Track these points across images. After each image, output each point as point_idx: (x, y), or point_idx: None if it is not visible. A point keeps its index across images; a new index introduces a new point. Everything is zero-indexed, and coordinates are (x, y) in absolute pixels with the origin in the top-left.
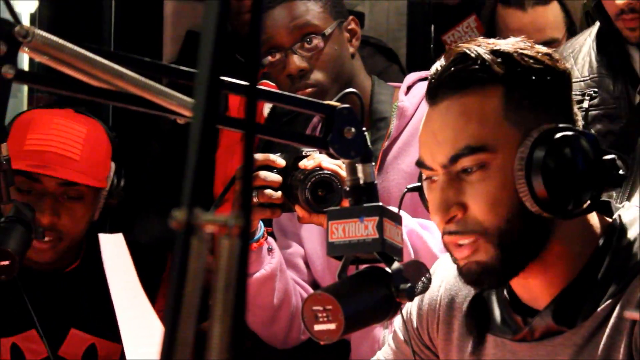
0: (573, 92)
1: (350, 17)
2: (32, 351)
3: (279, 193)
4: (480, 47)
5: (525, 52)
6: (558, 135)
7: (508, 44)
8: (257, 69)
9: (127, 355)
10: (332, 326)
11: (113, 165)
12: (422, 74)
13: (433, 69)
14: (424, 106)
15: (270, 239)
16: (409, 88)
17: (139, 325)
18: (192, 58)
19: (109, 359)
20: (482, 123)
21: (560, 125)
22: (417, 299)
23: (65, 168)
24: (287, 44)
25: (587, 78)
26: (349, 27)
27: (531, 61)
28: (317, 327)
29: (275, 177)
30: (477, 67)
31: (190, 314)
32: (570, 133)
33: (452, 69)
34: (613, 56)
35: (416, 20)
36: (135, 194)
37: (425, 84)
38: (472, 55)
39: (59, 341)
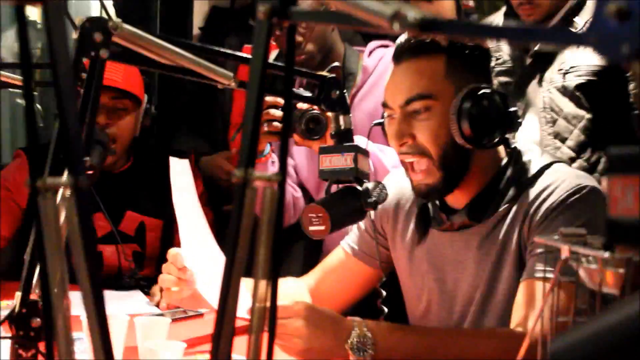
0: None
1: (332, 1)
2: (100, 227)
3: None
4: None
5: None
6: (480, 92)
7: None
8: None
9: (186, 260)
10: (322, 227)
11: (145, 96)
12: (379, 42)
13: (398, 40)
14: (381, 66)
15: (273, 154)
16: (370, 52)
17: (194, 230)
18: (215, 30)
19: (154, 232)
20: (430, 79)
21: (483, 85)
22: None
23: (115, 83)
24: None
25: (494, 46)
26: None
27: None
28: (311, 228)
29: (279, 113)
30: (428, 40)
31: (245, 240)
32: (488, 91)
33: (412, 41)
34: None
35: None
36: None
37: (381, 49)
38: None
39: (118, 220)
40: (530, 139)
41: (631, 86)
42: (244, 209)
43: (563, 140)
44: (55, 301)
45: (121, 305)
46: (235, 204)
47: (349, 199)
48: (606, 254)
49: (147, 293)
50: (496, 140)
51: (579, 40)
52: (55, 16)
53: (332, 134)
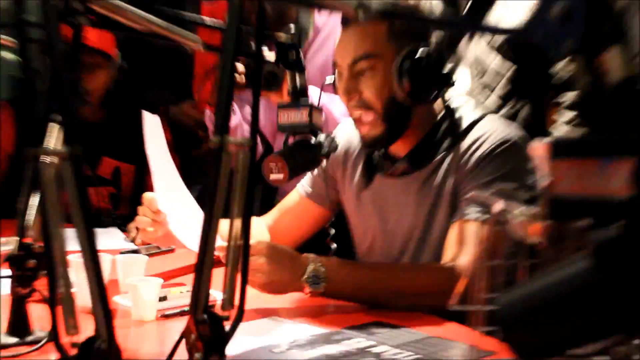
0: None
1: None
2: None
3: (244, 79)
4: None
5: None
6: (418, 52)
7: None
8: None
9: (160, 203)
10: (280, 176)
11: (117, 52)
12: None
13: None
14: (329, 23)
15: (234, 104)
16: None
17: (166, 177)
18: None
19: (127, 176)
20: (374, 41)
21: (420, 47)
22: None
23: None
24: None
25: (432, 10)
26: None
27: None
28: (272, 177)
29: (241, 68)
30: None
31: (221, 195)
32: (425, 52)
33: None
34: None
35: None
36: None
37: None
38: None
39: (95, 165)
40: (463, 89)
41: None
42: (220, 170)
43: (492, 89)
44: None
45: (101, 241)
46: (213, 165)
47: (304, 150)
48: (533, 210)
49: (123, 230)
50: (433, 96)
51: (526, 34)
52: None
53: (289, 91)
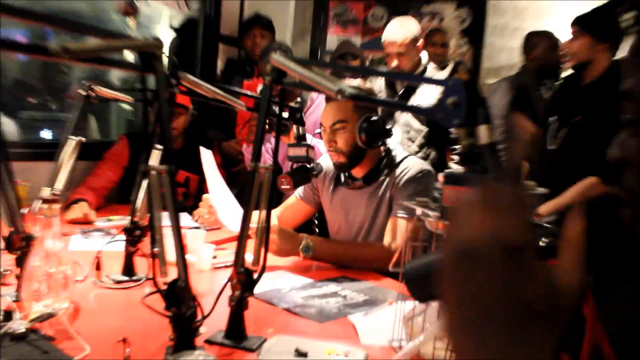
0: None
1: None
2: None
3: (267, 127)
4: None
5: (361, 86)
6: (371, 119)
7: (354, 82)
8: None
9: (212, 201)
10: (288, 187)
11: (191, 105)
12: None
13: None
14: (318, 99)
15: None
16: None
17: (217, 185)
18: (228, 72)
19: (194, 182)
20: (345, 112)
21: (372, 116)
22: None
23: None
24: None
25: (380, 90)
26: None
27: (364, 89)
28: (282, 187)
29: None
30: None
31: (253, 200)
32: (375, 119)
33: None
34: (390, 81)
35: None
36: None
37: None
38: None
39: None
40: (396, 141)
41: None
42: (254, 183)
43: (413, 141)
44: (155, 222)
45: None
46: (249, 181)
47: (303, 172)
48: (437, 214)
49: (190, 214)
50: (378, 144)
51: (432, 112)
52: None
53: (295, 136)
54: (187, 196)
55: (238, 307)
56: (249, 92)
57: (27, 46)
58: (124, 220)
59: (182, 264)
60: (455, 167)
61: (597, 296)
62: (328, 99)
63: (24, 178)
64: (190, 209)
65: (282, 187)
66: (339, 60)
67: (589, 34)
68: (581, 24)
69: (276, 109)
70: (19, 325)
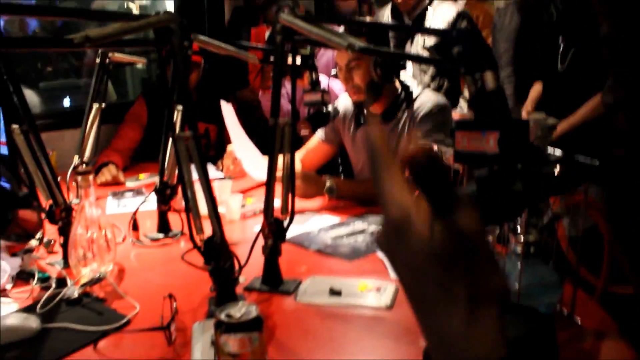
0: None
1: (300, 4)
2: None
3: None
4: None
5: (373, 21)
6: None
7: (367, 18)
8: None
9: (236, 152)
10: (307, 132)
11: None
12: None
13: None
14: None
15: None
16: None
17: (239, 137)
18: (236, 21)
19: (213, 132)
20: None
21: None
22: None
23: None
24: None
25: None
26: (300, 8)
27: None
28: (302, 132)
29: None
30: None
31: (277, 151)
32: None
33: (349, 29)
34: (397, 14)
35: None
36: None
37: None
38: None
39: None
40: (408, 73)
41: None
42: (275, 136)
43: (425, 72)
44: (187, 187)
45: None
46: (270, 135)
47: (319, 117)
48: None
49: (214, 164)
50: (393, 77)
51: (441, 63)
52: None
53: (309, 82)
54: (209, 146)
55: (272, 255)
56: (258, 45)
57: (51, 40)
58: (153, 178)
59: (216, 220)
60: (468, 94)
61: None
62: None
63: (51, 147)
64: (214, 159)
65: (302, 132)
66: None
67: None
68: None
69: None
70: (72, 290)
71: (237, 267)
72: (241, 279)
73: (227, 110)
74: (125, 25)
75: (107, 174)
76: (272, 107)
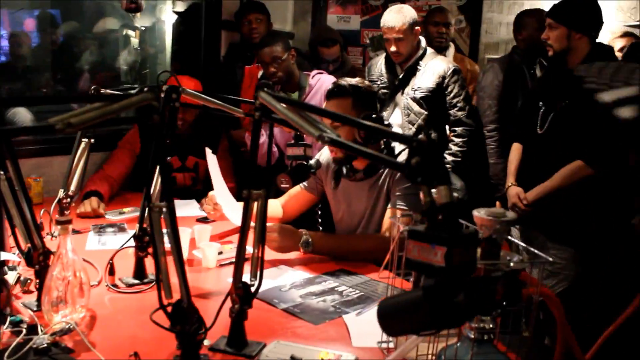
0: (374, 78)
1: (292, 49)
2: (175, 163)
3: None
4: (344, 81)
5: (360, 83)
6: (370, 116)
7: (353, 80)
8: None
9: (217, 198)
10: (287, 186)
11: None
12: (317, 71)
13: (330, 88)
14: (317, 84)
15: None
16: (313, 76)
17: (220, 185)
18: (230, 57)
19: (202, 167)
20: (343, 110)
21: (372, 113)
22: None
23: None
24: (268, 61)
25: (380, 74)
26: (292, 53)
27: (362, 87)
28: (282, 186)
29: None
30: (343, 89)
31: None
32: (374, 116)
33: (336, 89)
34: (390, 64)
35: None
36: None
37: (318, 75)
38: (342, 84)
39: (184, 160)
40: (396, 123)
41: (451, 96)
42: (247, 209)
43: (413, 124)
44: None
45: (185, 209)
46: (244, 207)
47: (302, 171)
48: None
49: (199, 201)
50: (377, 140)
51: (400, 168)
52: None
53: (293, 136)
54: (197, 181)
55: (238, 319)
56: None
57: (33, 128)
58: (135, 212)
59: (185, 286)
60: (455, 148)
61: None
62: (328, 96)
63: (39, 173)
64: (200, 193)
65: (282, 186)
66: (319, 47)
67: (564, 26)
68: (555, 15)
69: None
70: (42, 340)
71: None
72: (206, 341)
73: (211, 158)
74: (107, 108)
75: (88, 206)
76: (249, 177)
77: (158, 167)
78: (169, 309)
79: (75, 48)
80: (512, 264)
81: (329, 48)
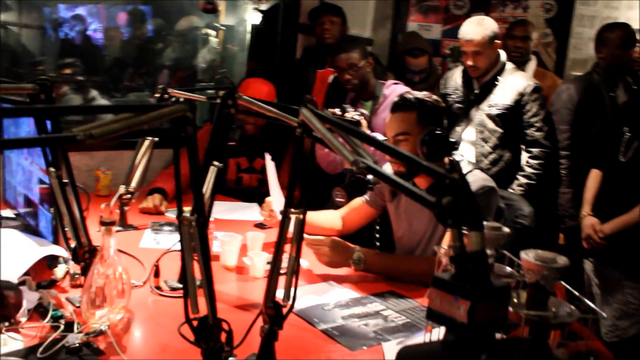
0: (449, 91)
1: (370, 56)
2: (243, 164)
3: None
4: (410, 94)
5: (427, 98)
6: (435, 133)
7: (421, 94)
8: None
9: (273, 204)
10: (343, 200)
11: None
12: (393, 81)
13: (395, 100)
14: (392, 94)
15: None
16: (388, 86)
17: (276, 192)
18: (305, 60)
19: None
20: (407, 124)
21: (437, 129)
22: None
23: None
24: (344, 67)
25: (457, 86)
26: (369, 61)
27: (429, 102)
28: (337, 199)
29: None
30: (408, 102)
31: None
32: (439, 133)
33: (401, 102)
34: (467, 78)
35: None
36: None
37: (393, 85)
38: (408, 97)
39: (252, 162)
40: (469, 140)
41: (529, 115)
42: (282, 229)
43: (486, 142)
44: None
45: (246, 212)
46: (280, 226)
47: (357, 185)
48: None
49: (260, 204)
50: (440, 157)
51: (431, 207)
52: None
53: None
54: (264, 183)
55: (267, 340)
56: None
57: (53, 138)
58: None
59: (211, 303)
60: (529, 170)
61: None
62: (393, 109)
63: (109, 166)
64: (266, 195)
65: (337, 200)
66: (405, 56)
67: None
68: None
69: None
70: (74, 339)
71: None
72: (232, 359)
73: (270, 164)
74: (133, 120)
75: (150, 201)
76: (287, 199)
77: (210, 171)
78: (195, 322)
79: (159, 44)
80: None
81: (416, 58)
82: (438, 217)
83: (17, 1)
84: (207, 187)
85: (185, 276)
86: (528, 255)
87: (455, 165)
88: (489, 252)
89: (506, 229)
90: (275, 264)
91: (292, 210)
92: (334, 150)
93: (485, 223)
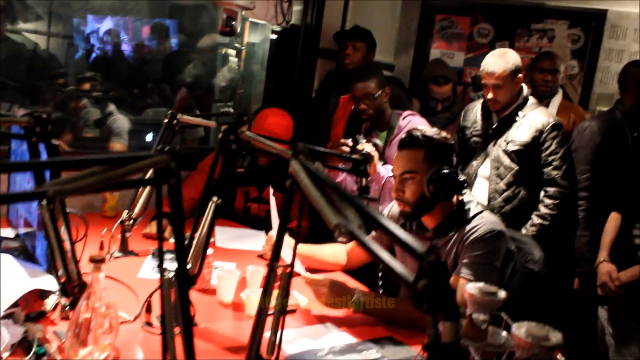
0: (468, 124)
1: (387, 86)
2: (252, 193)
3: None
4: (417, 131)
5: (435, 135)
6: (442, 171)
7: (429, 130)
8: None
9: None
10: (344, 240)
11: None
12: (409, 112)
13: (402, 137)
14: (408, 126)
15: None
16: (404, 117)
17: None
18: (326, 86)
19: (279, 200)
20: (414, 162)
21: (444, 168)
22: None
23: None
24: (360, 97)
25: (475, 120)
26: (386, 91)
27: (437, 139)
28: (339, 239)
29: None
30: (415, 139)
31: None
32: (447, 171)
33: (408, 139)
34: (486, 111)
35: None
36: None
37: (410, 116)
38: (415, 134)
39: (262, 191)
40: (484, 176)
41: (547, 152)
42: (269, 279)
43: (501, 178)
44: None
45: (252, 241)
46: (267, 275)
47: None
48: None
49: (267, 232)
50: (448, 197)
51: (409, 287)
52: None
53: (357, 187)
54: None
55: None
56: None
57: (23, 195)
58: None
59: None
60: (544, 210)
61: None
62: (400, 146)
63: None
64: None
65: (339, 239)
66: (429, 83)
67: None
68: None
69: None
70: None
71: None
72: None
73: (272, 200)
74: (109, 174)
75: (154, 228)
76: (273, 251)
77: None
78: None
79: (181, 60)
80: None
81: (440, 86)
82: (413, 299)
83: (47, 12)
84: (205, 224)
85: (165, 344)
86: (519, 331)
87: (434, 248)
88: (482, 317)
89: (502, 294)
90: (259, 318)
91: (278, 263)
92: (319, 210)
93: (480, 286)
